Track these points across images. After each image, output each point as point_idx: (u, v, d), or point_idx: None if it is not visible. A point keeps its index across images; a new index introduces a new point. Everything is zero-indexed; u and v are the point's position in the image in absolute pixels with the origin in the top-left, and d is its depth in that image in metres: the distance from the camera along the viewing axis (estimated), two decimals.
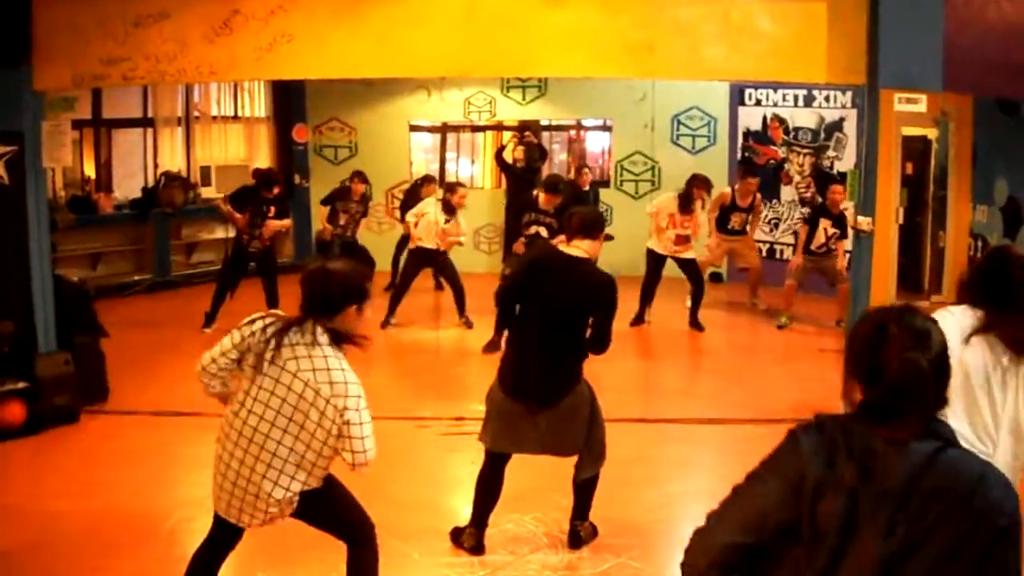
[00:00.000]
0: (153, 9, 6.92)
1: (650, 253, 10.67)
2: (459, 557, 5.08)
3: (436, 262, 10.64)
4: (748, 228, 11.49)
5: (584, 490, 5.21)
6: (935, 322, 2.26)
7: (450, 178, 14.70)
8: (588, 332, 5.01)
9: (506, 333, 5.30)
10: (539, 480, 5.65)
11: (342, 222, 11.56)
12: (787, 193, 12.94)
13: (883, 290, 8.76)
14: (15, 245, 7.21)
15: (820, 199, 11.45)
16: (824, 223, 10.55)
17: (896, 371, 2.16)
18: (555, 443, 5.07)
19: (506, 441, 5.07)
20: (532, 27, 6.88)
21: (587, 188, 12.83)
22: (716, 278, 13.08)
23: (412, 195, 12.22)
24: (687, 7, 6.83)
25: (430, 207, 10.57)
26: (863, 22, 6.68)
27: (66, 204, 12.00)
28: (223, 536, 4.01)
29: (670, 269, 10.71)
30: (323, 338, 3.75)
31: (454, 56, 7.01)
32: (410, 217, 10.67)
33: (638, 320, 10.67)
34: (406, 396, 8.08)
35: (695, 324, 10.60)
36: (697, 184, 10.53)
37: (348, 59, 7.02)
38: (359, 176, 11.82)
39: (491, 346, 8.91)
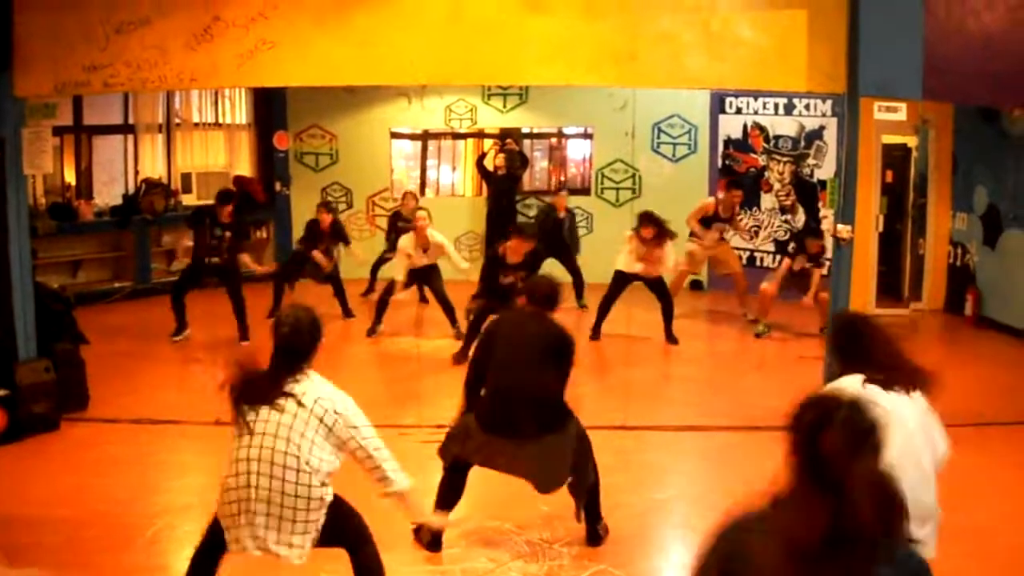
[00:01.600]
0: (135, 16, 6.90)
1: (617, 273, 10.45)
2: (440, 565, 5.09)
3: (425, 276, 10.53)
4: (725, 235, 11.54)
5: (591, 499, 5.31)
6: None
7: (430, 186, 14.93)
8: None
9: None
10: (520, 486, 5.65)
11: (320, 259, 11.22)
12: (767, 201, 12.98)
13: (863, 297, 8.82)
14: None
15: (798, 246, 10.93)
16: (800, 259, 10.53)
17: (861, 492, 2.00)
18: (527, 471, 5.14)
19: (458, 451, 5.20)
20: (514, 35, 6.90)
21: (563, 215, 12.09)
22: (697, 286, 13.11)
23: (396, 218, 12.09)
24: (668, 16, 6.87)
25: (406, 242, 10.23)
26: (843, 31, 6.73)
27: (46, 211, 11.94)
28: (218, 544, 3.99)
29: None
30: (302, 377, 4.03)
31: (436, 64, 7.03)
32: (399, 260, 10.27)
33: (595, 335, 10.43)
34: (388, 404, 8.06)
35: (670, 338, 10.42)
36: (643, 224, 10.28)
37: (330, 66, 7.02)
38: (324, 207, 11.45)
39: (460, 356, 8.97)
